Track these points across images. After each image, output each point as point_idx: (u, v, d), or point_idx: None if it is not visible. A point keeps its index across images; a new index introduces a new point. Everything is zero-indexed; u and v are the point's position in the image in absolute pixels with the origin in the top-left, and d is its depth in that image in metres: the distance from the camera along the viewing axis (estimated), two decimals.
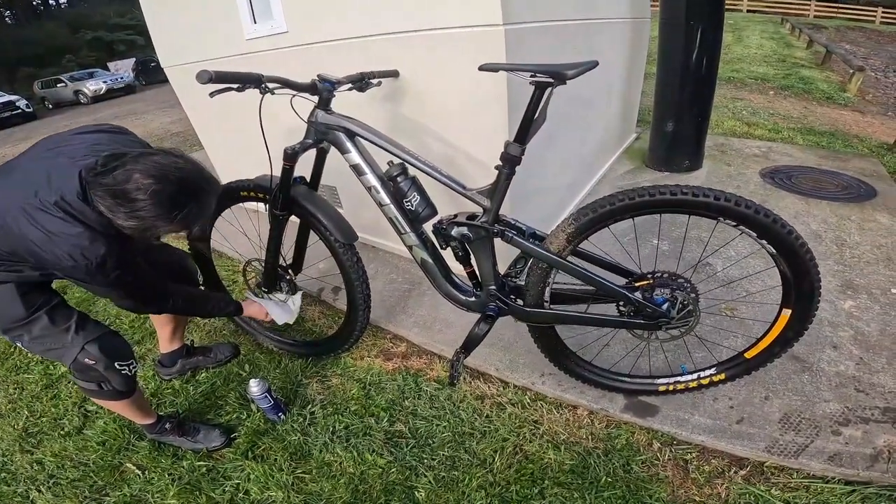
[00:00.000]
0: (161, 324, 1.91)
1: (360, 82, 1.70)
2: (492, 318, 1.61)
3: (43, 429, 1.89)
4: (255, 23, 2.26)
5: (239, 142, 2.94)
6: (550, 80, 1.23)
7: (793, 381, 1.69)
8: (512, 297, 1.60)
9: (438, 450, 1.64)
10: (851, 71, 6.03)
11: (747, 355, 1.55)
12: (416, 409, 1.79)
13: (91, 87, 17.71)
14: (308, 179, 1.74)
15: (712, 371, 1.62)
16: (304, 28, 2.11)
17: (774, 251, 1.27)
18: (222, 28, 2.42)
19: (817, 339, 1.84)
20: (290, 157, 1.58)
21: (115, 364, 1.44)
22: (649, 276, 1.44)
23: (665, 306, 1.43)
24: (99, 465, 1.70)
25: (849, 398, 1.60)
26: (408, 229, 1.58)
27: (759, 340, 1.51)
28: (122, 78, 19.22)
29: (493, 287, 1.57)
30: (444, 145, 2.04)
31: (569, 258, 1.44)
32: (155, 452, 1.71)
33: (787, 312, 1.39)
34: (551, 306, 1.56)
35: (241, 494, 1.56)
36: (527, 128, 1.31)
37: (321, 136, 1.60)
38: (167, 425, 1.71)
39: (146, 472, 1.66)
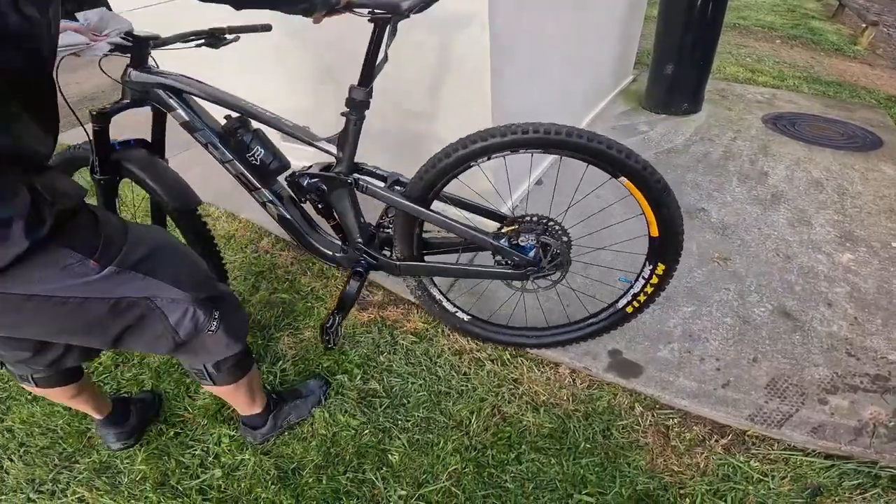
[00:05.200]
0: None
1: (210, 38, 1.44)
2: (360, 275, 1.55)
3: (11, 394, 1.80)
4: None
5: None
6: (388, 14, 1.19)
7: (783, 341, 1.63)
8: (385, 249, 1.56)
9: (413, 410, 1.59)
10: (864, 25, 5.70)
11: (654, 234, 1.37)
12: (392, 364, 1.72)
13: None
14: (148, 142, 1.57)
15: (649, 267, 1.45)
16: None
17: (580, 157, 1.24)
18: None
19: (811, 295, 1.77)
20: (97, 118, 1.40)
21: None
22: (518, 220, 1.40)
23: (532, 254, 1.39)
24: (66, 432, 1.64)
25: (839, 363, 1.55)
26: (258, 185, 1.49)
27: (646, 218, 1.35)
28: None
29: (360, 241, 1.51)
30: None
31: (436, 204, 1.41)
32: None
33: (624, 179, 1.26)
34: (425, 256, 1.56)
35: (210, 458, 1.51)
36: (370, 69, 1.27)
37: (139, 96, 1.43)
38: None
39: None
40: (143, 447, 1.55)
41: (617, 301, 1.58)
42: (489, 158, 1.27)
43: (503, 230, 1.41)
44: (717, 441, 1.44)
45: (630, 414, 1.52)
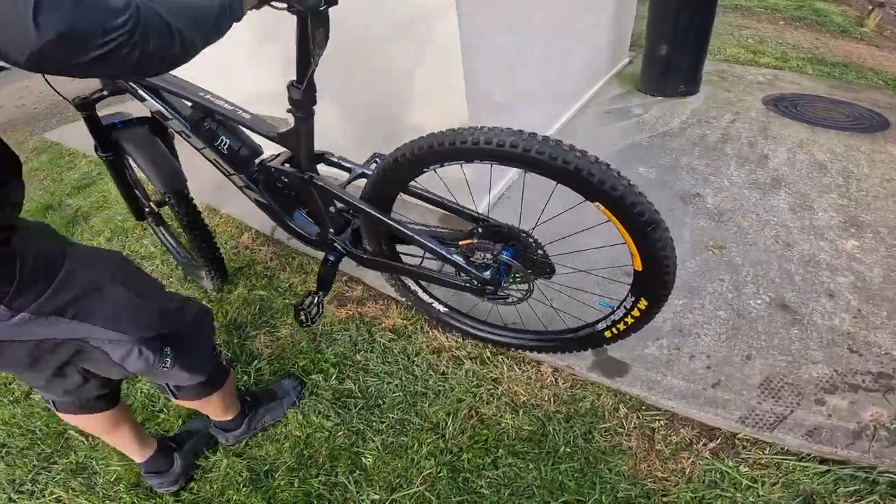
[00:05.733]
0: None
1: None
2: (333, 263, 1.56)
3: None
4: None
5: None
6: (300, 7, 1.00)
7: (780, 336, 1.53)
8: (359, 238, 1.53)
9: (388, 412, 1.53)
10: (871, 7, 5.45)
11: (637, 268, 1.23)
12: (368, 363, 1.66)
13: None
14: (150, 119, 1.61)
15: (632, 299, 1.30)
16: None
17: (542, 173, 1.07)
18: None
19: (812, 285, 1.66)
20: (81, 107, 1.51)
21: None
22: (477, 234, 1.28)
23: (488, 274, 1.27)
24: (45, 433, 1.62)
25: (839, 360, 1.45)
26: (232, 171, 1.47)
27: (629, 248, 1.19)
28: None
29: (331, 230, 1.49)
30: None
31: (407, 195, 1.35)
32: None
33: (599, 205, 1.08)
34: (398, 246, 1.51)
35: None
36: (305, 64, 1.12)
37: (112, 87, 1.49)
38: None
39: (89, 439, 1.58)
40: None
41: (596, 322, 1.44)
42: (442, 166, 1.15)
43: (461, 242, 1.29)
44: (704, 445, 1.35)
45: (614, 416, 1.45)
